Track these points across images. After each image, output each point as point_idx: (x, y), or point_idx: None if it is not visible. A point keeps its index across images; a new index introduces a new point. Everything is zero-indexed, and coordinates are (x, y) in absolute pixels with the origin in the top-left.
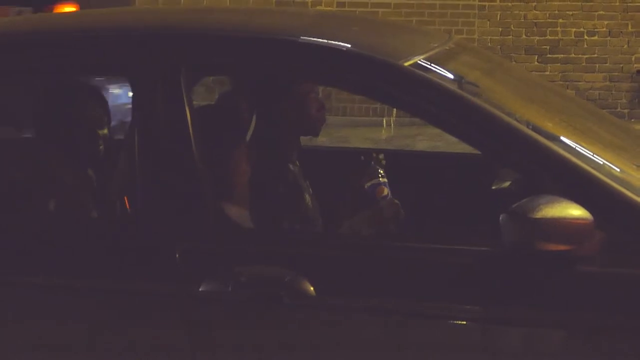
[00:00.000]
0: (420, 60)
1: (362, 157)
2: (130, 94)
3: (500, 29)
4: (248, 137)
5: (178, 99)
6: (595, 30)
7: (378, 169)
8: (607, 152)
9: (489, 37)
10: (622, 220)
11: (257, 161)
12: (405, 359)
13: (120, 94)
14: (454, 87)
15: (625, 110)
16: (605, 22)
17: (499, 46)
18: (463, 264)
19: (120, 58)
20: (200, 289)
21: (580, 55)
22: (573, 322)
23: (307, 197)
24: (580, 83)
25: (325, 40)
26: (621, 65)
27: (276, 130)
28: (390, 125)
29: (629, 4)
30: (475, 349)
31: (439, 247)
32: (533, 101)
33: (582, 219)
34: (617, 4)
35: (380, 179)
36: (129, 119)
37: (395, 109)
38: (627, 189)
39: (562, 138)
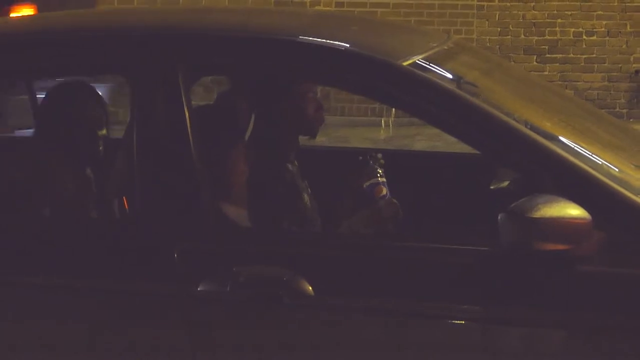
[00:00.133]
0: (419, 60)
1: (361, 157)
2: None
3: (499, 29)
4: (246, 137)
5: (177, 98)
6: (594, 30)
7: (377, 169)
8: (606, 152)
9: (488, 37)
10: (620, 220)
11: (256, 161)
12: (405, 359)
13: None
14: (452, 86)
15: (624, 110)
16: (604, 22)
17: (497, 46)
18: (461, 264)
19: (119, 58)
20: (199, 289)
21: (578, 55)
22: (572, 322)
23: (306, 197)
24: (578, 83)
25: (324, 40)
26: (620, 65)
27: (274, 130)
28: (389, 125)
29: (627, 4)
30: (474, 349)
31: (438, 247)
32: (532, 101)
33: (581, 218)
34: (616, 4)
35: (379, 179)
36: (127, 119)
37: (394, 109)
38: (626, 189)
39: (561, 138)
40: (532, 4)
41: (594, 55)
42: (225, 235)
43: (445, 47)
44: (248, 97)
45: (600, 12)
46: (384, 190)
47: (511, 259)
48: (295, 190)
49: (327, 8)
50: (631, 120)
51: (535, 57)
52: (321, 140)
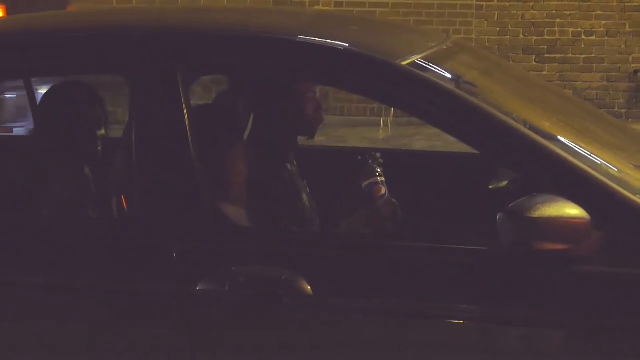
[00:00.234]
0: (418, 60)
1: (360, 157)
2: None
3: (498, 29)
4: (245, 137)
5: (176, 98)
6: (593, 30)
7: (375, 168)
8: (605, 152)
9: (487, 37)
10: (619, 220)
11: (255, 161)
12: (404, 358)
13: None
14: (451, 86)
15: (623, 110)
16: (603, 22)
17: (496, 46)
18: (461, 264)
19: (118, 57)
20: (199, 289)
21: (577, 55)
22: (571, 321)
23: (305, 196)
24: (577, 83)
25: (323, 40)
26: (619, 65)
27: (274, 129)
28: (388, 125)
29: (626, 4)
30: (474, 349)
31: (437, 247)
32: (531, 101)
33: (579, 218)
34: (615, 4)
35: (378, 178)
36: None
37: (393, 109)
38: (625, 189)
39: (560, 138)
40: (531, 3)
41: (593, 55)
42: (225, 235)
43: (444, 47)
44: (247, 97)
45: (599, 12)
46: (383, 190)
47: (510, 259)
48: (294, 190)
49: (326, 8)
50: (630, 120)
51: (534, 57)
52: (320, 139)
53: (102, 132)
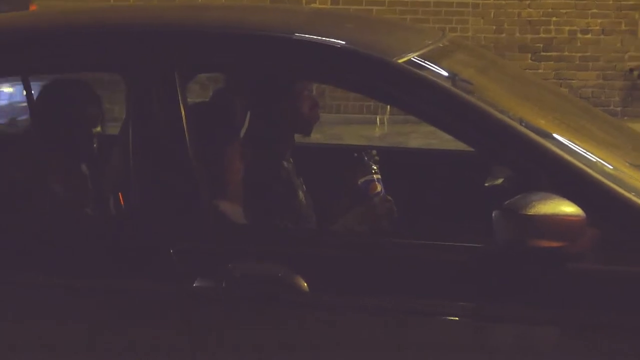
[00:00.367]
0: (414, 58)
1: (356, 154)
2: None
3: (494, 27)
4: (242, 135)
5: (173, 96)
6: (589, 28)
7: (371, 165)
8: (600, 150)
9: (483, 35)
10: (614, 217)
11: (252, 158)
12: (400, 355)
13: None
14: (448, 84)
15: (618, 108)
16: (599, 21)
17: (492, 44)
18: (456, 261)
19: (115, 55)
20: (198, 288)
21: (573, 54)
22: (565, 318)
23: (301, 194)
24: (573, 81)
25: (320, 38)
26: (614, 63)
27: (270, 127)
28: (384, 122)
29: (622, 3)
30: (470, 346)
31: (432, 244)
32: (527, 99)
33: (575, 215)
34: (611, 2)
35: (374, 176)
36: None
37: (389, 107)
38: (620, 186)
39: (556, 136)
40: (528, 2)
41: (589, 54)
42: (222, 233)
43: (441, 45)
44: (244, 95)
45: (595, 11)
46: (379, 187)
47: (506, 256)
48: (290, 187)
49: (323, 6)
50: (625, 118)
51: (530, 55)
52: (316, 137)
53: (99, 129)
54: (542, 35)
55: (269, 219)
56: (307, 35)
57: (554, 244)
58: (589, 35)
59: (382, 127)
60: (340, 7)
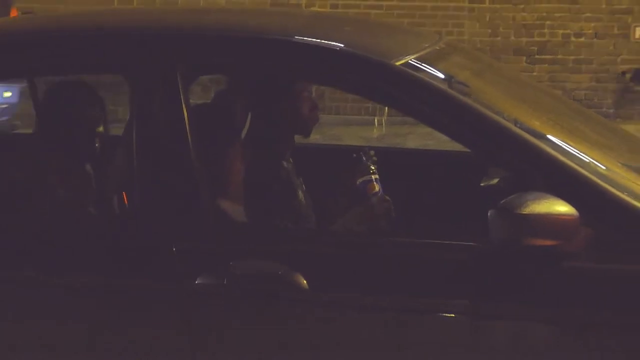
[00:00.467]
0: (411, 60)
1: (354, 155)
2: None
3: (490, 31)
4: (243, 136)
5: (175, 97)
6: (582, 32)
7: (369, 166)
8: (593, 151)
9: (479, 39)
10: (606, 216)
11: (252, 159)
12: (398, 352)
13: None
14: (444, 86)
15: (611, 110)
16: (592, 25)
17: (488, 47)
18: (452, 260)
19: (119, 57)
20: (199, 286)
21: (567, 57)
22: (559, 316)
23: (300, 194)
24: (567, 84)
25: (319, 40)
26: (607, 66)
27: (271, 128)
28: (382, 123)
29: (615, 7)
30: (465, 342)
31: (429, 243)
32: (522, 101)
33: (568, 215)
34: (604, 6)
35: (372, 176)
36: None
37: (387, 108)
38: (612, 186)
39: (550, 137)
40: (522, 6)
41: (582, 57)
42: (224, 233)
43: (437, 48)
44: (245, 96)
45: (588, 15)
46: (377, 187)
47: (501, 255)
48: (290, 187)
49: (322, 9)
50: (618, 120)
51: (524, 58)
52: (315, 138)
53: (102, 130)
54: (536, 38)
55: (269, 218)
56: (306, 38)
57: (548, 243)
58: (582, 39)
59: (380, 128)
60: (339, 11)
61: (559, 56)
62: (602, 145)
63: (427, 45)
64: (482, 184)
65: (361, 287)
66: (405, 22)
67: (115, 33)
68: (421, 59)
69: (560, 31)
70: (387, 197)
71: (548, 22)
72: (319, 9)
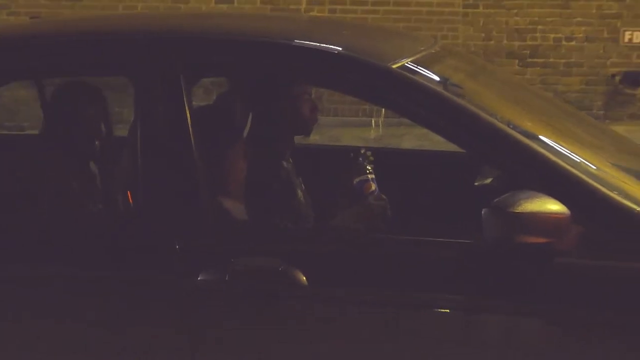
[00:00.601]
0: (407, 63)
1: (352, 154)
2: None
3: (483, 35)
4: (244, 136)
5: (178, 99)
6: (573, 36)
7: (366, 165)
8: (584, 151)
9: (473, 42)
10: (597, 214)
11: (253, 159)
12: (394, 345)
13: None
14: (439, 88)
15: (601, 112)
16: (582, 29)
17: (481, 51)
18: (447, 257)
19: (124, 60)
20: (200, 284)
21: (558, 60)
22: (551, 311)
23: (300, 192)
24: (558, 86)
25: (318, 44)
26: (597, 69)
27: (272, 129)
28: (379, 125)
29: (604, 12)
30: (460, 337)
31: (424, 241)
32: (515, 103)
33: (560, 213)
34: (594, 11)
35: (368, 175)
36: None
37: (383, 110)
38: (602, 185)
39: (542, 137)
40: (515, 10)
41: (573, 60)
42: (225, 231)
43: (433, 51)
44: (246, 98)
45: (579, 19)
46: (373, 186)
47: (494, 252)
48: (290, 186)
49: (321, 14)
50: (607, 121)
51: (517, 61)
52: (314, 139)
53: (107, 131)
54: (528, 42)
55: (270, 216)
56: (306, 42)
57: (540, 240)
58: (573, 43)
59: (377, 130)
60: (338, 15)
61: (551, 59)
62: (593, 146)
63: (422, 48)
64: (476, 184)
65: (359, 283)
66: (401, 26)
67: (121, 37)
68: (417, 62)
69: (552, 35)
70: (384, 196)
71: (540, 27)
72: (317, 14)
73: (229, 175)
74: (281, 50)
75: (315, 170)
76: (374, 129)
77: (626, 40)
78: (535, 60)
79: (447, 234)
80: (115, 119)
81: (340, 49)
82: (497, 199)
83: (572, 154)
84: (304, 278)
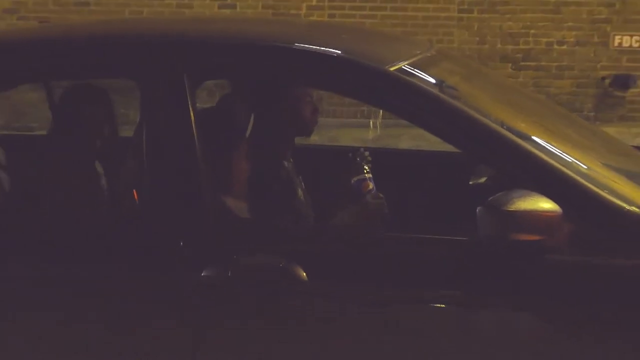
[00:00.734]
0: (404, 66)
1: (350, 154)
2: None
3: (477, 39)
4: (246, 137)
5: (183, 101)
6: (564, 40)
7: (363, 165)
8: (576, 151)
9: (467, 46)
10: (588, 213)
11: (255, 159)
12: (392, 339)
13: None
14: (435, 90)
15: (591, 114)
16: (574, 33)
17: (476, 54)
18: (443, 254)
19: (130, 63)
20: (205, 278)
21: (550, 63)
22: (543, 306)
23: (300, 192)
24: (550, 89)
25: (318, 48)
26: (588, 72)
27: (273, 130)
28: (377, 126)
29: (595, 16)
30: (455, 330)
31: (421, 239)
32: (508, 104)
33: (552, 211)
34: (585, 16)
35: (366, 175)
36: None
37: (381, 111)
38: (593, 184)
39: (535, 138)
40: (508, 15)
41: (565, 63)
42: (227, 231)
43: (429, 55)
44: (248, 100)
45: (570, 24)
46: (371, 186)
47: (489, 249)
48: (290, 186)
49: (321, 19)
50: (597, 123)
51: (510, 65)
52: (314, 139)
53: (113, 132)
54: (521, 46)
55: (271, 215)
56: (306, 45)
57: (533, 238)
58: (564, 47)
59: (375, 130)
60: (337, 20)
61: (543, 63)
62: (584, 146)
63: (419, 52)
64: (471, 183)
65: (357, 280)
66: (398, 30)
67: (127, 41)
68: (414, 65)
69: (544, 39)
70: (381, 195)
71: (532, 31)
72: (317, 18)
73: (232, 175)
74: (282, 54)
75: (315, 170)
76: (372, 130)
77: (616, 44)
78: (528, 63)
79: (442, 232)
80: (121, 120)
81: (340, 52)
82: (491, 198)
83: (563, 154)
84: (305, 275)
